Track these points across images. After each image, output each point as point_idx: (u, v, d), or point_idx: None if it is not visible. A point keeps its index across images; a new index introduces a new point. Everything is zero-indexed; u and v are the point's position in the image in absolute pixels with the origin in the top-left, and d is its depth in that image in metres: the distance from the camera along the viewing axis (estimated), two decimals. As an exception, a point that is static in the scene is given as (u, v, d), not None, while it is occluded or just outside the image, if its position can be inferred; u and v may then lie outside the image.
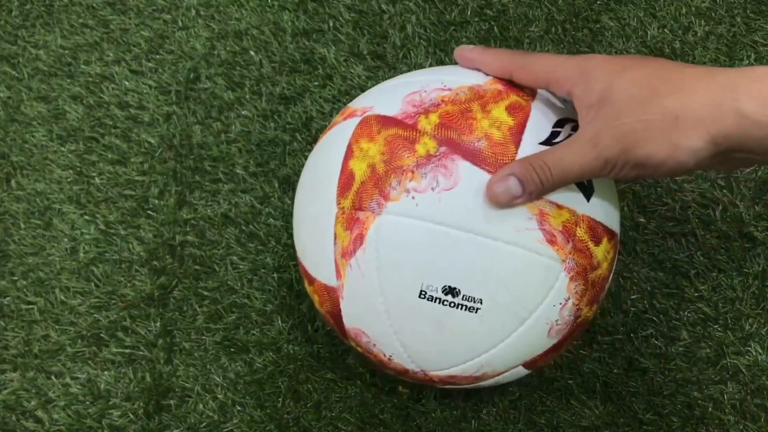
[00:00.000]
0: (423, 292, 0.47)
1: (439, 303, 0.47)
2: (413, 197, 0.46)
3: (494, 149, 0.46)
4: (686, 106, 0.40)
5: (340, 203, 0.48)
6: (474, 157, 0.46)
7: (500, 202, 0.45)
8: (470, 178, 0.46)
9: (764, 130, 0.39)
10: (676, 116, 0.40)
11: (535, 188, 0.44)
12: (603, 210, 0.49)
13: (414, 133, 0.48)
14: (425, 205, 0.46)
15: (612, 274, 0.52)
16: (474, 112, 0.48)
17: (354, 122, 0.50)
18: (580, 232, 0.47)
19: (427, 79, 0.51)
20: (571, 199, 0.47)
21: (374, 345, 0.51)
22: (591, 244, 0.48)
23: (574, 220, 0.47)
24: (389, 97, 0.51)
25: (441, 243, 0.46)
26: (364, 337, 0.51)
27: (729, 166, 0.46)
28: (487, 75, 0.50)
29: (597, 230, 0.48)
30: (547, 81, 0.46)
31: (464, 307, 0.47)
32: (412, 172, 0.47)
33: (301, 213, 0.53)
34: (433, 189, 0.46)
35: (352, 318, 0.50)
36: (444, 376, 0.51)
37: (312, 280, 0.52)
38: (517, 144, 0.47)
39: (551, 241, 0.46)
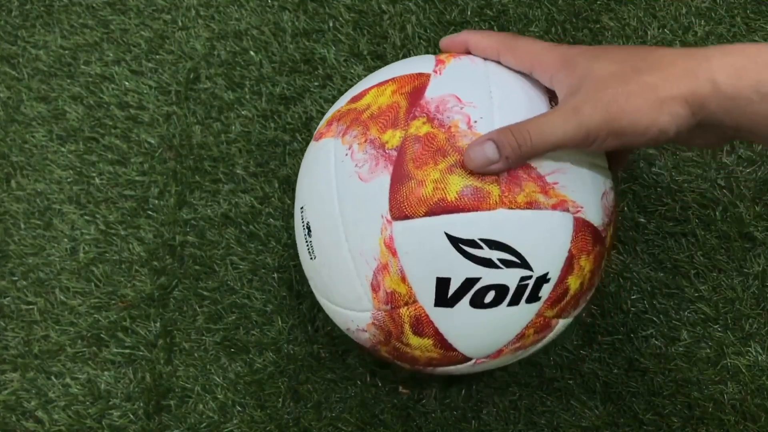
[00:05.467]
0: None
1: None
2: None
3: None
4: (665, 79, 0.42)
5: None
6: None
7: (476, 165, 0.45)
8: None
9: (734, 102, 0.41)
10: (655, 86, 0.42)
11: (512, 153, 0.44)
12: (450, 325, 0.49)
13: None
14: None
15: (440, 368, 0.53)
16: None
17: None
18: (404, 312, 0.48)
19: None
20: (420, 288, 0.47)
21: None
22: (408, 328, 0.49)
23: (405, 299, 0.48)
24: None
25: None
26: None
27: (707, 140, 0.47)
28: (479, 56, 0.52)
29: (423, 328, 0.49)
30: (531, 66, 0.48)
31: None
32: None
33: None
34: None
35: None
36: None
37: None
38: None
39: (374, 288, 0.48)
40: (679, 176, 0.69)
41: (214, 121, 0.75)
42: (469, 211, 0.45)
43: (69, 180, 0.73)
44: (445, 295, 0.47)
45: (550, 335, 0.52)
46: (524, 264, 0.46)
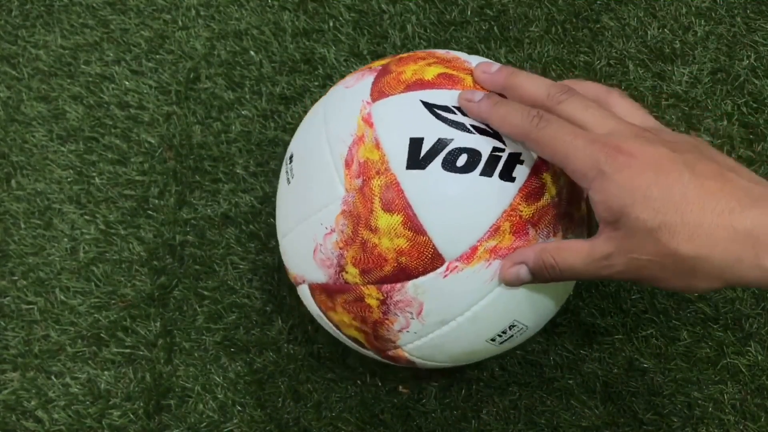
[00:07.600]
0: None
1: None
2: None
3: None
4: (705, 260, 0.40)
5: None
6: None
7: (506, 281, 0.47)
8: None
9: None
10: (693, 267, 0.40)
11: (542, 280, 0.46)
12: (421, 193, 0.46)
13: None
14: None
15: (410, 282, 0.47)
16: None
17: None
18: (375, 183, 0.46)
19: None
20: (393, 152, 0.47)
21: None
22: (377, 204, 0.46)
23: (377, 167, 0.47)
24: None
25: None
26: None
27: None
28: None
29: (393, 200, 0.46)
30: (561, 163, 0.44)
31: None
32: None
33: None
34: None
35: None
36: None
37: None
38: None
39: (348, 163, 0.48)
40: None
41: (214, 120, 0.75)
42: (445, 88, 0.49)
43: (69, 180, 0.73)
44: (417, 155, 0.46)
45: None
46: (497, 135, 0.47)
